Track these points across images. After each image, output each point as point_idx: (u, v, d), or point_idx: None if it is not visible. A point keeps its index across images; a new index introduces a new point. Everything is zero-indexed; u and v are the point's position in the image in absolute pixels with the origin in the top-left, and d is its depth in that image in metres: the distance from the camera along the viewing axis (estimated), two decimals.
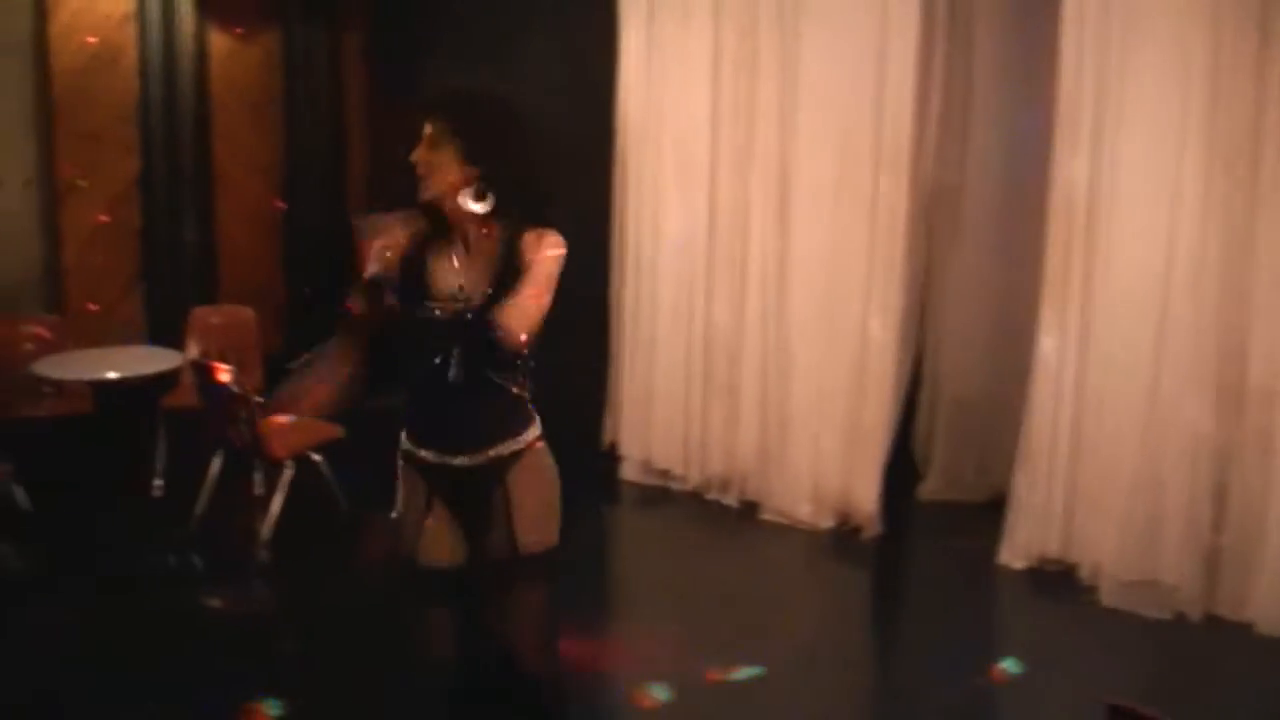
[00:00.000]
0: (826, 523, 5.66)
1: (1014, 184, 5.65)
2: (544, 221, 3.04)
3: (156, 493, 5.97)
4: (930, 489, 6.01)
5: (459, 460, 3.08)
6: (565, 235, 3.06)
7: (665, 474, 6.22)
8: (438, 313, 2.99)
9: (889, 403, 5.58)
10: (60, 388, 6.01)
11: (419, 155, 2.97)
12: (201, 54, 7.12)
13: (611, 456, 6.39)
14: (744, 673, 4.30)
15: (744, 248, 5.87)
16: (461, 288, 2.99)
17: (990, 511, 5.40)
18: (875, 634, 5.13)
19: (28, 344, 6.18)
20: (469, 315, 2.97)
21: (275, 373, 5.81)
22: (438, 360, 2.98)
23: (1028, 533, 5.14)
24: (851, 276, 5.55)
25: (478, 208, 2.96)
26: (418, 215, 3.04)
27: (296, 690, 4.12)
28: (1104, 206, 4.83)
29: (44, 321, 6.45)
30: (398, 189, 7.59)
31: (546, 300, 2.98)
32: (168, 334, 6.65)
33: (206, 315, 6.62)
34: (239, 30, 7.30)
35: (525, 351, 3.00)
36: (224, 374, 5.36)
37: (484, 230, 3.01)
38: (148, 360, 6.16)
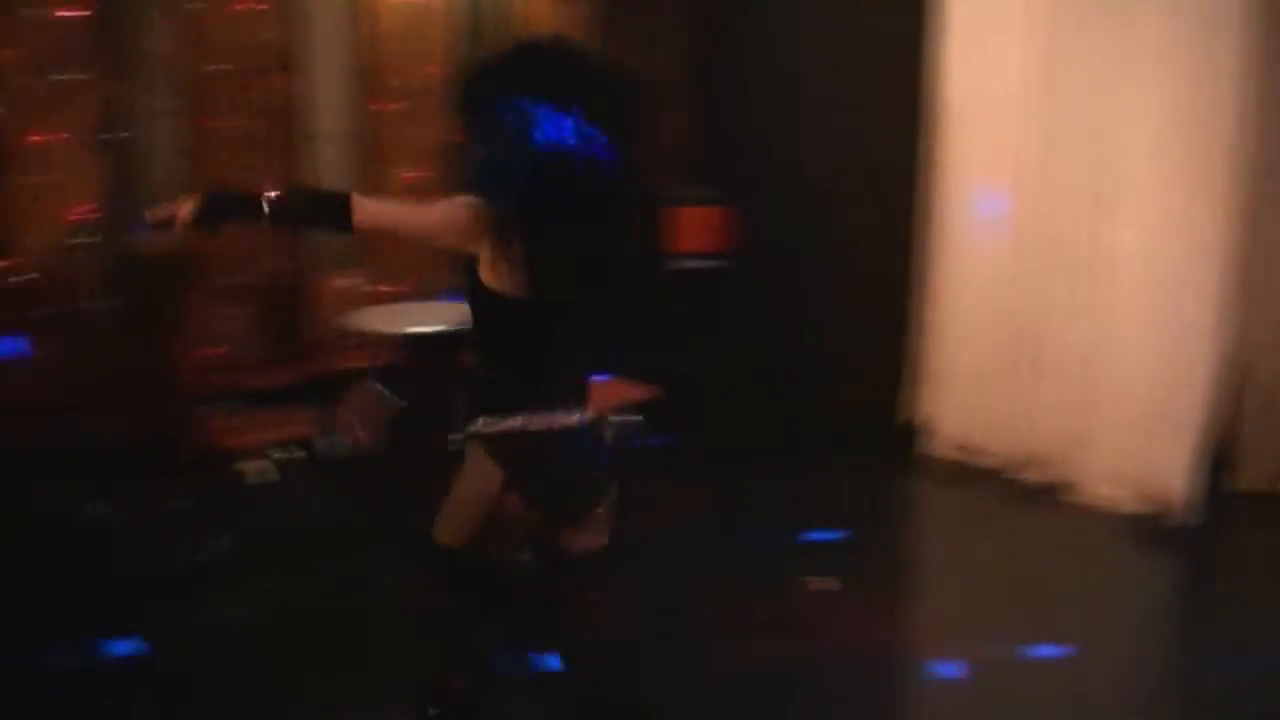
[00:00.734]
0: (1134, 508, 5.52)
1: None
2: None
3: (454, 447, 6.17)
4: (1250, 479, 5.76)
5: None
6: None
7: (966, 450, 6.21)
8: None
9: (1205, 390, 5.39)
10: (365, 340, 6.00)
11: None
12: (516, 16, 7.17)
13: (910, 432, 6.42)
14: (1047, 651, 4.29)
15: (1056, 228, 5.78)
16: None
17: None
18: (1185, 622, 4.97)
19: (339, 297, 6.30)
20: None
21: None
22: None
23: None
24: (1168, 259, 5.39)
25: None
26: None
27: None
28: None
29: (356, 274, 6.55)
30: (714, 162, 7.81)
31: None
32: None
33: None
34: None
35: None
36: None
37: None
38: (453, 315, 6.33)
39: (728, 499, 5.81)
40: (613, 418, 5.63)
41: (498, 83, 3.05)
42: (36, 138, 5.77)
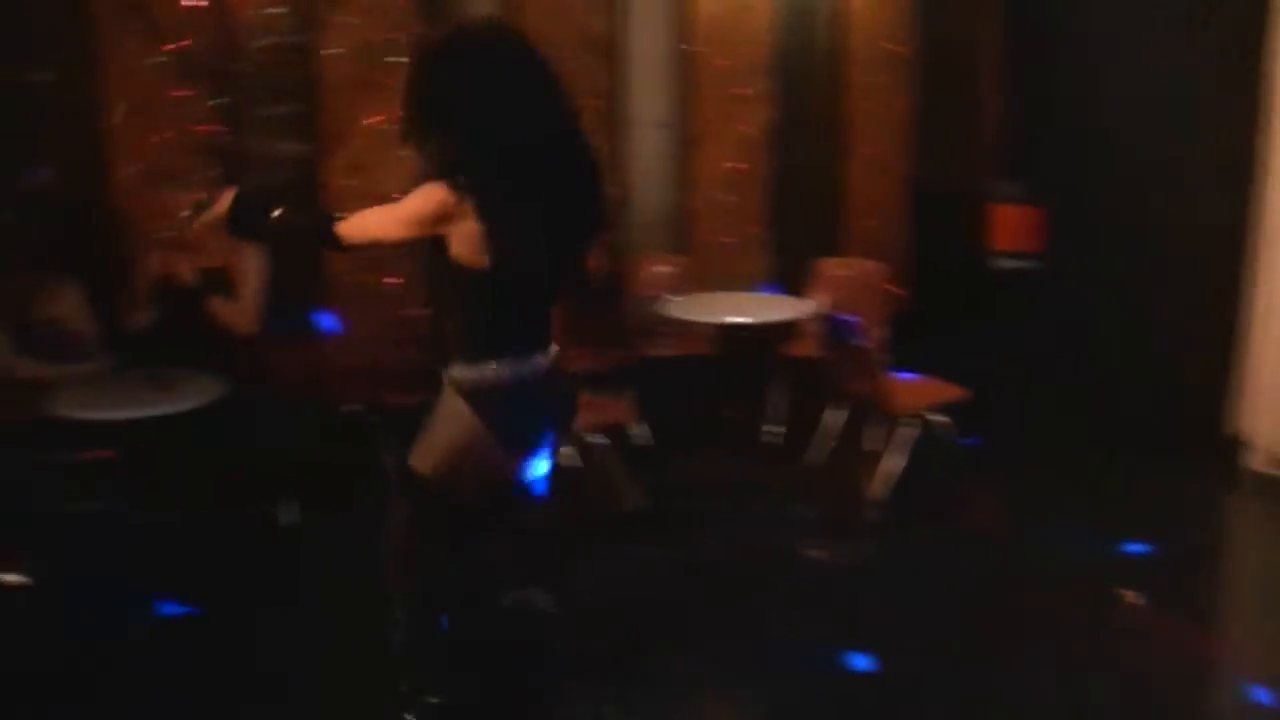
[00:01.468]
0: None
1: None
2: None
3: (769, 439, 6.19)
4: None
5: None
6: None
7: None
8: None
9: None
10: (683, 328, 6.17)
11: None
12: (838, 4, 7.25)
13: (1232, 444, 6.13)
14: None
15: None
16: None
17: None
18: None
19: (656, 283, 6.47)
20: None
21: (900, 331, 6.10)
22: None
23: None
24: None
25: None
26: None
27: (877, 650, 4.19)
28: None
29: (673, 261, 6.75)
30: (1030, 161, 7.61)
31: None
32: (787, 282, 6.80)
33: (834, 267, 6.50)
34: None
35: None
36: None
37: None
38: (769, 307, 6.31)
39: (1039, 502, 5.63)
40: (929, 416, 5.66)
41: (448, 68, 3.16)
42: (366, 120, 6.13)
